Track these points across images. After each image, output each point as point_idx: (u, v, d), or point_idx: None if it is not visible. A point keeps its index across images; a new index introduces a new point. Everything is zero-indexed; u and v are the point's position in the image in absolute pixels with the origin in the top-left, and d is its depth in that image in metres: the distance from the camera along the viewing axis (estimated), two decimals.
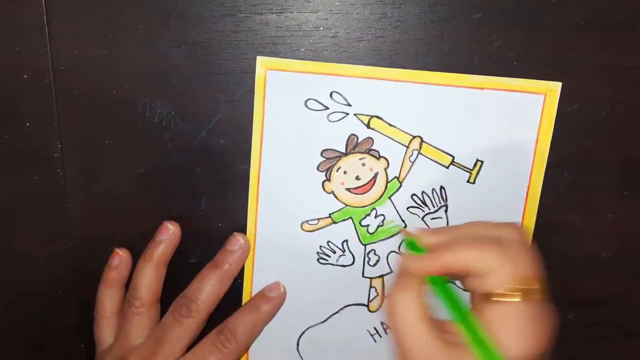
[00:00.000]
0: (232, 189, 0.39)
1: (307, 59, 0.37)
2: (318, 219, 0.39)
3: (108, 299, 0.40)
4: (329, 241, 0.40)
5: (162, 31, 0.37)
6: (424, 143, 0.38)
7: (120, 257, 0.40)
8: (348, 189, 0.39)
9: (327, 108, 0.37)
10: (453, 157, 0.38)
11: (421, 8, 0.36)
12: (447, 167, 0.38)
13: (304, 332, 0.41)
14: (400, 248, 0.40)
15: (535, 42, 0.36)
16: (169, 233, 0.39)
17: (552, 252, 0.40)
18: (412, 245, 0.34)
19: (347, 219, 0.39)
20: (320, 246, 0.40)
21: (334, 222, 0.39)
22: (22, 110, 0.39)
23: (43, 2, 0.37)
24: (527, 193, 0.39)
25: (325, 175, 0.38)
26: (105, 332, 0.40)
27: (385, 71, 0.37)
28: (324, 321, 0.41)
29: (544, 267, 0.32)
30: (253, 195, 0.39)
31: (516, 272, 0.30)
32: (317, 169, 0.38)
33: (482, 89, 0.37)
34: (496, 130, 0.38)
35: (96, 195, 0.40)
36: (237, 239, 0.39)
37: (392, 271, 0.40)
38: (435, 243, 0.33)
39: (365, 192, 0.39)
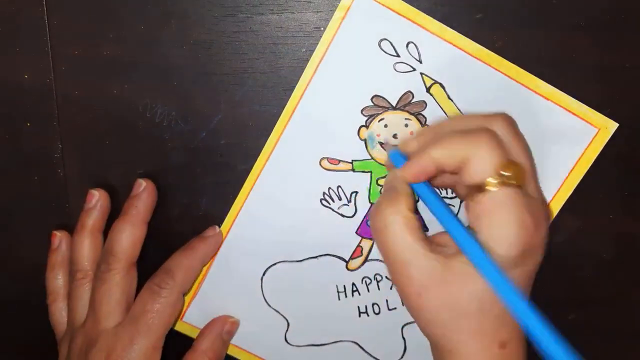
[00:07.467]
0: (232, 189, 0.39)
1: (308, 60, 0.37)
2: (340, 161, 0.38)
3: (55, 281, 0.40)
4: (340, 186, 0.38)
5: (163, 31, 0.37)
6: None
7: (60, 238, 0.40)
8: (381, 143, 0.38)
9: (398, 56, 0.36)
10: None
11: (421, 8, 0.36)
12: None
13: (275, 264, 0.40)
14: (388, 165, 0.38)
15: (536, 42, 0.36)
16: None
17: (552, 252, 0.40)
18: (396, 157, 0.34)
19: (367, 172, 0.38)
20: (329, 188, 0.39)
21: (353, 170, 0.38)
22: (22, 110, 0.39)
23: (43, 2, 0.37)
24: None
25: (366, 121, 0.38)
26: (62, 315, 0.40)
27: (468, 43, 0.36)
28: (299, 261, 0.40)
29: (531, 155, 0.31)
30: (287, 114, 0.38)
31: (493, 160, 0.29)
32: (362, 112, 0.37)
33: (547, 99, 0.36)
34: (540, 143, 0.37)
35: None
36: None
37: None
38: (416, 147, 0.33)
39: None
